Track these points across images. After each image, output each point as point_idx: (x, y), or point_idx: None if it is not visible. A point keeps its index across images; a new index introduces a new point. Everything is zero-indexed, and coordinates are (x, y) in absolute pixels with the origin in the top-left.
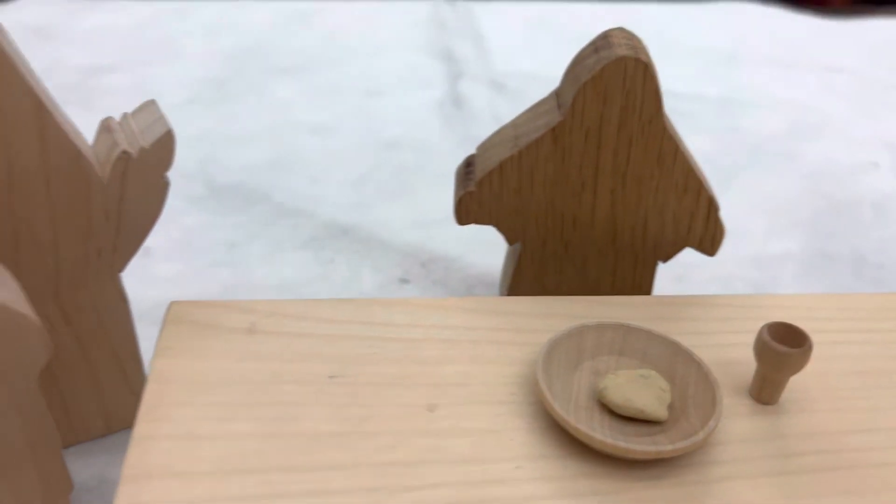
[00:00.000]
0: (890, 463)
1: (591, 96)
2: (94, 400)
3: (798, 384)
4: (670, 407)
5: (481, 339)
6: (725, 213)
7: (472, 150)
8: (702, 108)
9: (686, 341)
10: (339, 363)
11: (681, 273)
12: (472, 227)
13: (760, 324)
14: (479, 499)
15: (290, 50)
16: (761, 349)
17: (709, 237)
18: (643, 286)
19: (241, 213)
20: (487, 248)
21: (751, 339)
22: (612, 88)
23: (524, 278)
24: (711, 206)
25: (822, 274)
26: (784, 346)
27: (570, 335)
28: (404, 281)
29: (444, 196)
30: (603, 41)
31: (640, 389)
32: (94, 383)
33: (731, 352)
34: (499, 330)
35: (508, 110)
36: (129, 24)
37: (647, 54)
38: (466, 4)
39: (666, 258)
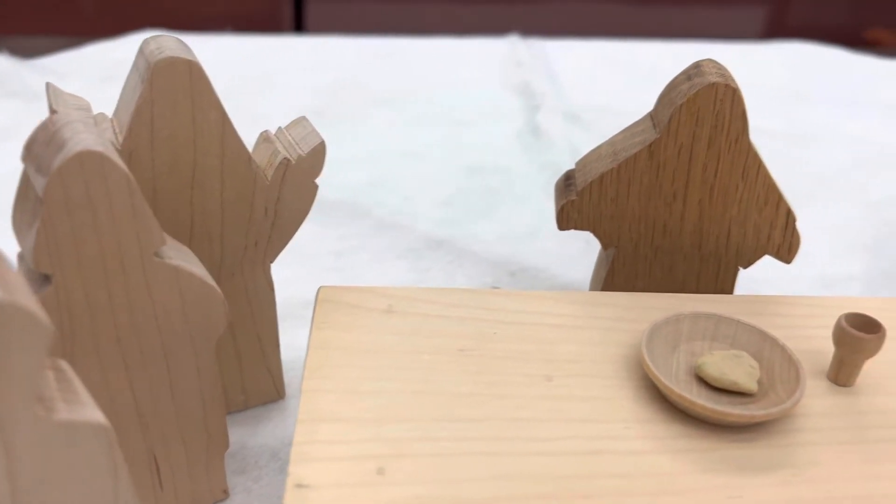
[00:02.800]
0: None
1: (685, 117)
2: (237, 377)
3: (872, 371)
4: (759, 383)
5: (587, 326)
6: None
7: (551, 175)
8: (769, 141)
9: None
10: (467, 339)
11: (753, 289)
12: (556, 242)
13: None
14: (596, 449)
15: (380, 84)
16: (840, 335)
17: (786, 245)
18: (725, 290)
19: (346, 227)
20: (571, 261)
21: (828, 332)
22: (704, 110)
23: (616, 280)
24: (790, 217)
25: (887, 291)
26: (862, 332)
27: (668, 322)
28: (495, 288)
29: (528, 214)
30: (695, 70)
31: (734, 366)
32: (238, 362)
33: (810, 342)
34: (602, 318)
35: (583, 140)
36: (228, 60)
37: (735, 81)
38: (539, 42)
39: (747, 265)
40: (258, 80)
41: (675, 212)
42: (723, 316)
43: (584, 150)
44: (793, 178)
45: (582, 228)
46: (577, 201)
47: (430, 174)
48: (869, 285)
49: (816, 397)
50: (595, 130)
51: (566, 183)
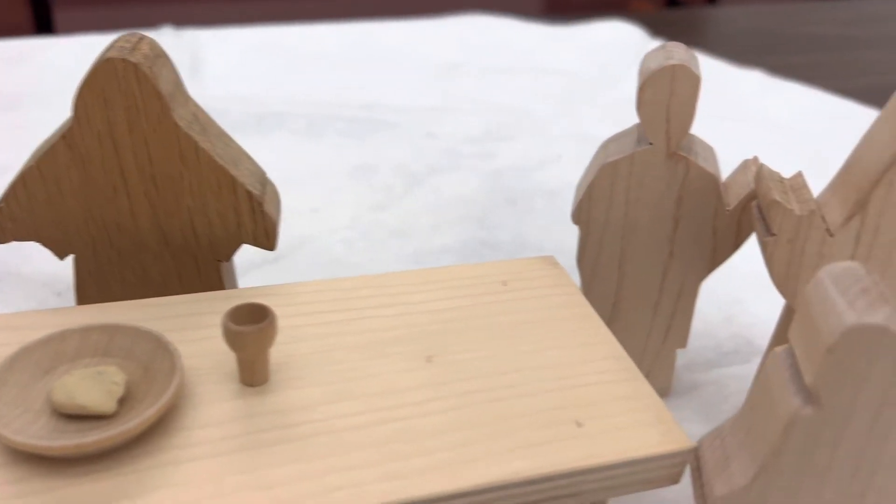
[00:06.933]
0: (350, 427)
1: (90, 99)
2: None
3: (296, 363)
4: (124, 400)
5: None
6: (401, 215)
7: None
8: (410, 118)
9: (199, 334)
10: None
11: (336, 272)
12: None
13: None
14: None
15: None
16: (224, 332)
17: (261, 232)
18: (213, 286)
19: None
20: None
21: None
22: (110, 91)
23: (88, 291)
24: (254, 201)
25: (477, 259)
26: (247, 325)
27: (46, 341)
28: None
29: None
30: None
31: (90, 387)
32: None
33: None
34: (8, 345)
35: None
36: None
37: (146, 56)
38: (194, 32)
39: (226, 257)
40: None
41: (122, 208)
42: (120, 325)
43: None
44: (422, 153)
45: (24, 239)
46: (6, 209)
47: None
48: (462, 256)
49: (219, 402)
50: (226, 122)
51: None
